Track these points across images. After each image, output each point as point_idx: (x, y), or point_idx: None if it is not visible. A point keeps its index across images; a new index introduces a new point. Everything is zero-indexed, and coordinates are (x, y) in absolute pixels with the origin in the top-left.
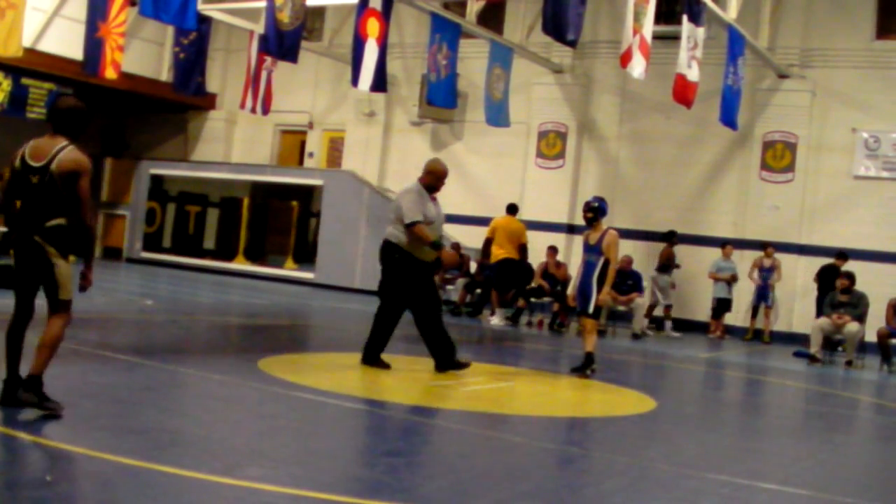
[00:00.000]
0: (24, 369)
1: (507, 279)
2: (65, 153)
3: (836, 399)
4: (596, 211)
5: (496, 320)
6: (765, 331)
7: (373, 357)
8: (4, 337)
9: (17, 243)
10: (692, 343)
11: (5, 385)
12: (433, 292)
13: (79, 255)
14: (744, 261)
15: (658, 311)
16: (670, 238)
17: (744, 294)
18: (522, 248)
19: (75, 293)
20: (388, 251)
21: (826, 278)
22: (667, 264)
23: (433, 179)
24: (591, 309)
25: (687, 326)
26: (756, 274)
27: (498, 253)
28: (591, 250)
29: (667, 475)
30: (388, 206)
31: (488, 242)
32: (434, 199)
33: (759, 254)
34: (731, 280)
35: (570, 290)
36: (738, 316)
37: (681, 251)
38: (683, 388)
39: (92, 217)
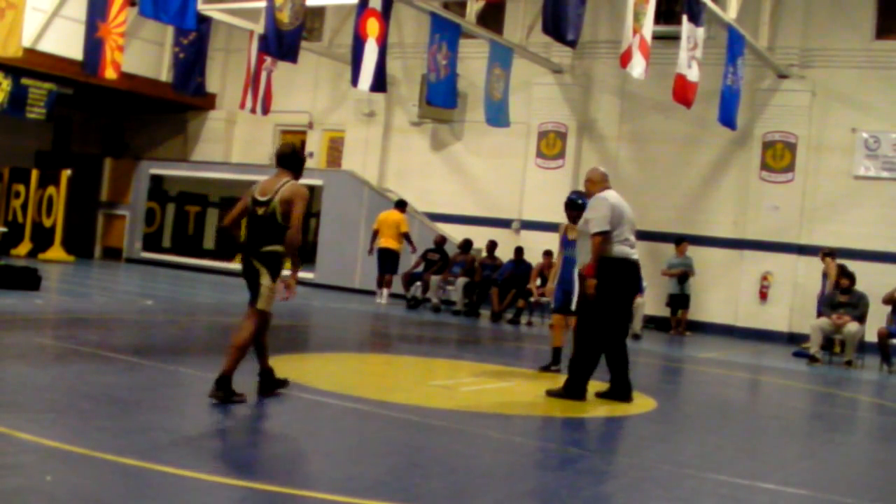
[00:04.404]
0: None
1: (385, 265)
2: (286, 186)
3: (836, 399)
4: (581, 208)
5: (378, 299)
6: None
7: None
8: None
9: (243, 262)
10: (692, 343)
11: (261, 376)
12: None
13: (276, 271)
14: (744, 261)
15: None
16: None
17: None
18: (406, 237)
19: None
20: None
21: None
22: None
23: None
24: (573, 306)
25: (687, 327)
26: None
27: (380, 242)
28: (572, 245)
29: (667, 475)
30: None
31: (375, 234)
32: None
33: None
34: (682, 276)
35: (550, 284)
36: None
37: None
38: (683, 388)
39: (298, 236)
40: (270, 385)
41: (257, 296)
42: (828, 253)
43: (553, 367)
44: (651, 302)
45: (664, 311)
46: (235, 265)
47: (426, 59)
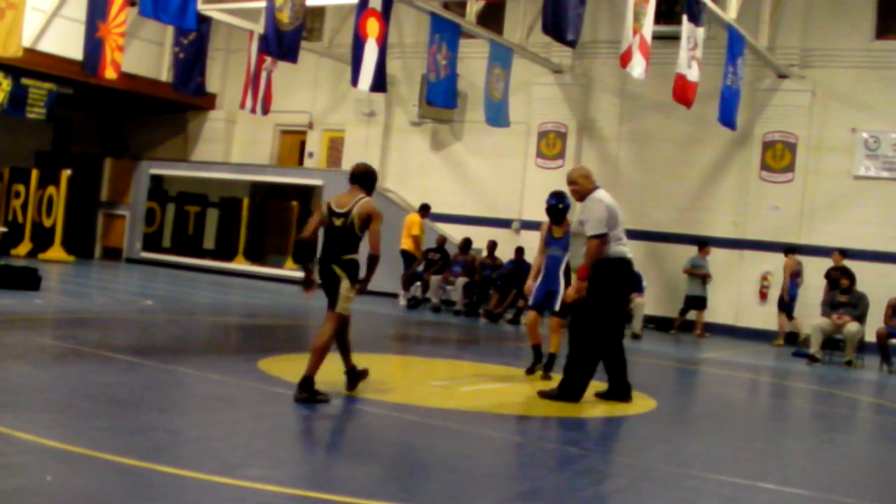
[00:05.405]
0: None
1: (405, 265)
2: (362, 203)
3: (836, 399)
4: (561, 213)
5: (402, 301)
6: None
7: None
8: (336, 339)
9: (321, 269)
10: (692, 343)
11: (347, 375)
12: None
13: (354, 277)
14: (744, 261)
15: None
16: None
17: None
18: (414, 240)
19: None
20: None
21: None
22: None
23: None
24: (557, 306)
25: (689, 327)
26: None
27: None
28: (556, 244)
29: (667, 475)
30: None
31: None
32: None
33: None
34: (705, 278)
35: (530, 282)
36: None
37: (680, 251)
38: (683, 388)
39: (378, 252)
40: (355, 380)
41: (336, 300)
42: (788, 249)
43: (529, 369)
44: (651, 302)
45: (664, 311)
46: (235, 265)
47: (426, 59)
